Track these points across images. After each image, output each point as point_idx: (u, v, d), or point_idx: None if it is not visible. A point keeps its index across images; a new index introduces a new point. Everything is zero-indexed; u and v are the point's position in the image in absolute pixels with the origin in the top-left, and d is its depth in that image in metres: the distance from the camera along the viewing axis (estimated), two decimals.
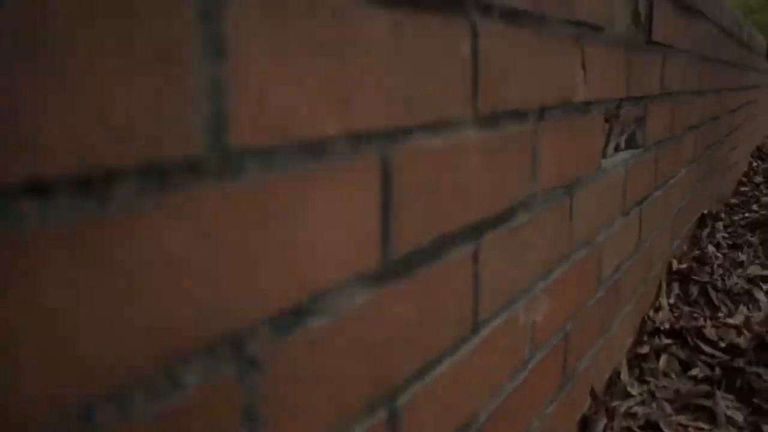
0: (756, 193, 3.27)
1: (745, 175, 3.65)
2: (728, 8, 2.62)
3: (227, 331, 0.37)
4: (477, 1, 0.60)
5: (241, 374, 0.38)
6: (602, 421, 1.11)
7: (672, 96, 1.57)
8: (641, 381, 1.32)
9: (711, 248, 2.29)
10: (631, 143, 1.30)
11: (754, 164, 3.96)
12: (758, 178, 3.56)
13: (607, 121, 1.10)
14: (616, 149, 1.22)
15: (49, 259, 0.27)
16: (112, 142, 0.29)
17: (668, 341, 1.49)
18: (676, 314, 1.65)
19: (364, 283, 0.49)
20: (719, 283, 1.91)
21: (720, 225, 2.54)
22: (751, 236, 2.49)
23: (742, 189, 3.36)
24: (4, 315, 0.26)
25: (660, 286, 1.75)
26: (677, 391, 1.27)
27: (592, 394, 1.15)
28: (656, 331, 1.53)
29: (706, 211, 2.51)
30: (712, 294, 1.84)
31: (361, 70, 0.46)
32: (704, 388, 1.29)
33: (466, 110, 0.61)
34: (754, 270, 2.09)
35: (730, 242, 2.45)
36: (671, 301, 1.74)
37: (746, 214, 2.79)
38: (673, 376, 1.35)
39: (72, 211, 0.28)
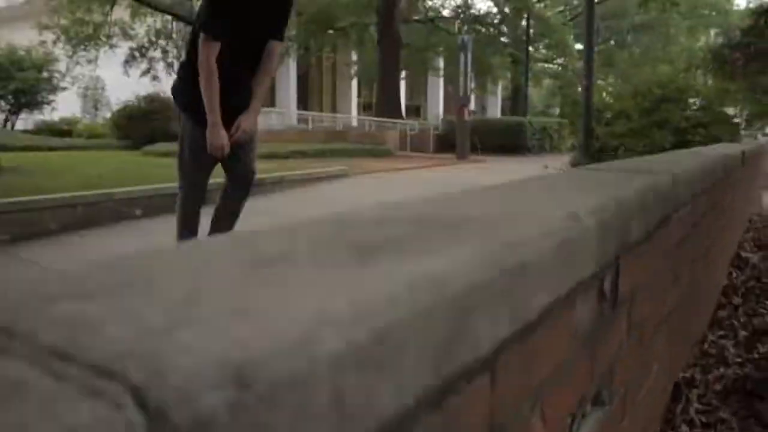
0: (734, 321, 2.71)
1: (725, 291, 3.09)
2: None
3: None
4: None
5: None
6: None
7: None
8: None
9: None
10: None
11: (734, 275, 3.41)
12: (736, 299, 3.00)
13: None
14: None
15: None
16: None
17: None
18: None
19: None
20: None
21: (694, 393, 1.98)
22: (724, 412, 1.93)
23: (720, 315, 2.80)
24: None
25: None
26: None
27: None
28: None
29: (680, 376, 1.94)
30: None
31: None
32: None
33: None
34: None
35: (704, 419, 1.90)
36: None
37: (721, 369, 2.23)
38: None
39: None
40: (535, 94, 40.97)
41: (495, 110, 36.78)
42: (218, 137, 2.69)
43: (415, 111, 35.86)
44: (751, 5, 24.29)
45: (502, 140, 18.33)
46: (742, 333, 2.52)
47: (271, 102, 27.58)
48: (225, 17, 2.61)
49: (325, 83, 32.20)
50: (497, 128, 18.99)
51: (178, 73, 3.05)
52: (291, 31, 23.99)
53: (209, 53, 2.57)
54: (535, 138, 18.95)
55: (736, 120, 8.87)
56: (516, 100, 29.24)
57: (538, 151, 18.45)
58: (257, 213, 7.20)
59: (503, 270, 0.56)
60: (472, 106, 35.15)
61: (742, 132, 7.95)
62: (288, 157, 14.42)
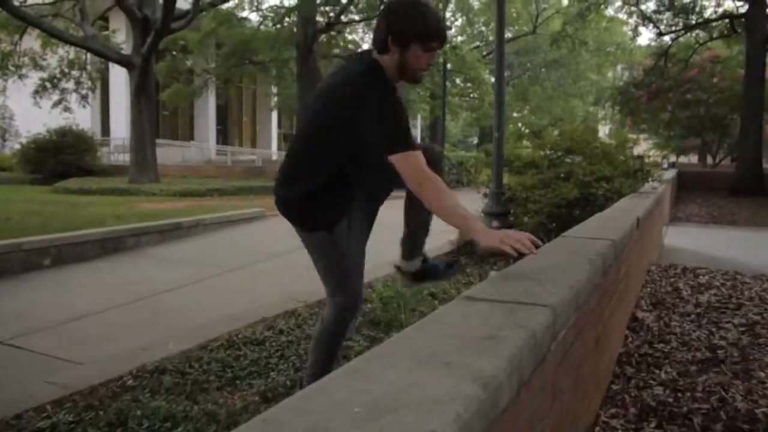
0: (625, 396, 2.86)
1: (618, 361, 3.26)
2: None
3: None
4: None
5: None
6: None
7: None
8: None
9: None
10: None
11: (629, 339, 3.60)
12: (630, 369, 3.16)
13: None
14: None
15: None
16: None
17: None
18: None
19: None
20: None
21: None
22: None
23: (614, 388, 2.95)
24: None
25: None
26: None
27: None
28: None
29: None
30: None
31: None
32: None
33: None
34: None
35: None
36: None
37: None
38: None
39: None
40: (453, 126, 41.92)
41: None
42: (499, 236, 2.13)
43: None
44: (653, 44, 25.84)
45: None
46: (632, 410, 2.66)
47: (190, 135, 27.15)
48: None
49: (245, 114, 31.96)
50: None
51: (309, 198, 2.49)
52: (210, 64, 23.79)
53: (421, 163, 2.20)
54: (453, 172, 19.35)
55: (649, 157, 9.30)
56: (434, 133, 29.85)
57: (455, 185, 18.83)
58: (179, 262, 7.11)
59: None
60: None
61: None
62: (205, 195, 14.23)
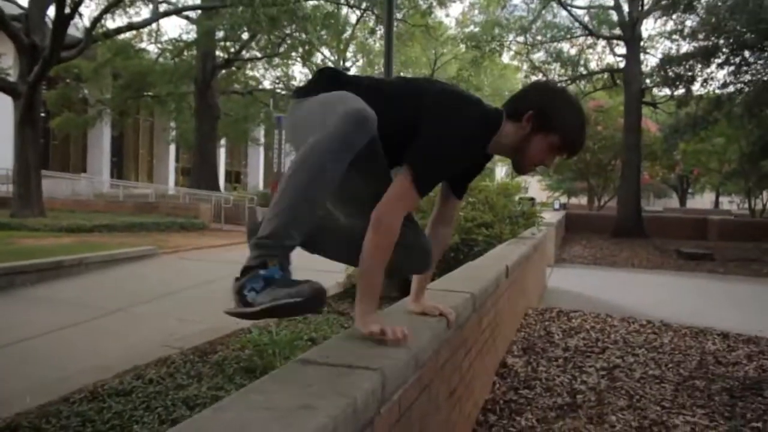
0: None
1: (484, 407, 3.34)
2: None
3: None
4: None
5: None
6: None
7: None
8: None
9: None
10: None
11: (497, 385, 3.70)
12: (492, 417, 3.25)
13: None
14: None
15: None
16: None
17: None
18: None
19: None
20: None
21: None
22: None
23: None
24: None
25: None
26: None
27: None
28: None
29: None
30: None
31: None
32: None
33: None
34: None
35: None
36: None
37: None
38: None
39: None
40: None
41: None
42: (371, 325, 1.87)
43: (235, 177, 35.62)
44: None
45: None
46: None
47: (82, 167, 26.11)
48: None
49: (142, 147, 31.11)
50: None
51: None
52: (105, 94, 23.08)
53: (407, 202, 1.94)
54: None
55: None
56: None
57: None
58: (56, 304, 6.74)
59: None
60: None
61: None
62: (93, 230, 13.65)
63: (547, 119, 1.97)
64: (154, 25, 21.79)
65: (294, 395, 1.35)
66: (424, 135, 1.92)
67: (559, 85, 2.38)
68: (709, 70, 16.41)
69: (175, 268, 9.76)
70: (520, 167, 2.10)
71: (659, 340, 5.04)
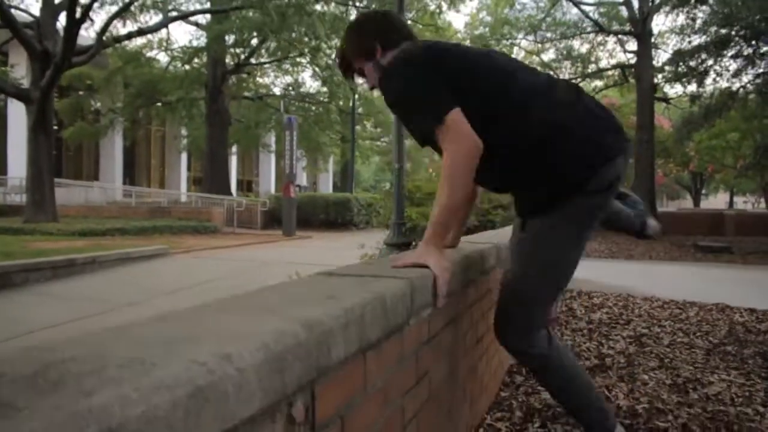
0: (512, 401, 2.81)
1: (509, 371, 3.23)
2: None
3: None
4: None
5: None
6: None
7: None
8: None
9: None
10: None
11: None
12: (518, 378, 3.14)
13: None
14: None
15: None
16: None
17: None
18: None
19: None
20: None
21: None
22: None
23: (503, 395, 2.91)
24: None
25: None
26: None
27: None
28: None
29: None
30: None
31: None
32: None
33: None
34: None
35: None
36: None
37: None
38: None
39: None
40: (365, 170, 42.33)
41: (327, 186, 37.46)
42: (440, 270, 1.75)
43: (247, 186, 35.63)
44: None
45: (330, 216, 18.65)
46: (518, 414, 2.62)
47: (95, 177, 26.20)
48: None
49: (154, 157, 31.19)
50: (324, 204, 19.27)
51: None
52: (117, 103, 23.17)
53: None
54: (362, 213, 19.42)
55: None
56: (345, 176, 30.01)
57: (364, 227, 18.90)
58: (69, 299, 6.70)
59: None
60: (304, 182, 35.60)
61: None
62: (105, 234, 13.65)
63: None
64: (164, 33, 21.90)
65: (319, 290, 1.26)
66: None
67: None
68: (722, 63, 16.23)
69: (188, 265, 9.71)
70: None
71: (684, 314, 4.90)
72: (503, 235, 3.31)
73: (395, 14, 2.20)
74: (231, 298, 1.15)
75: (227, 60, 21.55)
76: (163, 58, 23.25)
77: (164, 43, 22.72)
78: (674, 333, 4.14)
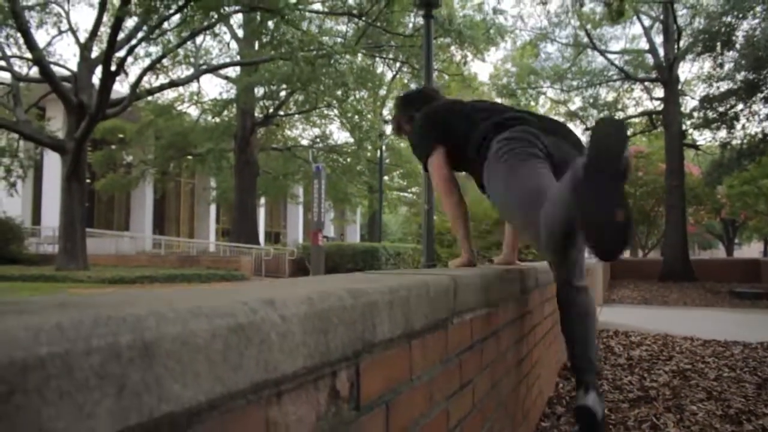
0: (555, 430, 2.69)
1: (549, 402, 3.10)
2: None
3: None
4: None
5: None
6: None
7: None
8: None
9: None
10: None
11: (560, 386, 3.45)
12: (560, 409, 3.01)
13: None
14: None
15: None
16: None
17: None
18: None
19: None
20: None
21: None
22: None
23: (543, 425, 2.78)
24: None
25: None
26: None
27: None
28: None
29: None
30: None
31: None
32: None
33: None
34: None
35: None
36: None
37: None
38: None
39: None
40: (392, 221, 42.33)
41: (355, 237, 37.50)
42: None
43: (275, 237, 35.81)
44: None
45: (358, 264, 18.61)
46: None
47: (125, 226, 26.56)
48: None
49: (183, 208, 31.58)
50: (352, 253, 19.24)
51: None
52: (148, 155, 23.63)
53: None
54: (390, 263, 19.34)
55: None
56: (372, 226, 30.03)
57: None
58: None
59: None
60: (332, 232, 35.69)
61: None
62: (135, 282, 13.71)
63: None
64: (195, 87, 22.42)
65: (362, 277, 1.20)
66: None
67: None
68: (752, 107, 16.09)
69: None
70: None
71: (728, 351, 4.71)
72: (538, 265, 3.23)
73: (428, 88, 3.20)
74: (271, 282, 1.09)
75: (256, 112, 21.94)
76: (193, 111, 23.78)
77: (195, 96, 23.26)
78: (719, 368, 3.96)
